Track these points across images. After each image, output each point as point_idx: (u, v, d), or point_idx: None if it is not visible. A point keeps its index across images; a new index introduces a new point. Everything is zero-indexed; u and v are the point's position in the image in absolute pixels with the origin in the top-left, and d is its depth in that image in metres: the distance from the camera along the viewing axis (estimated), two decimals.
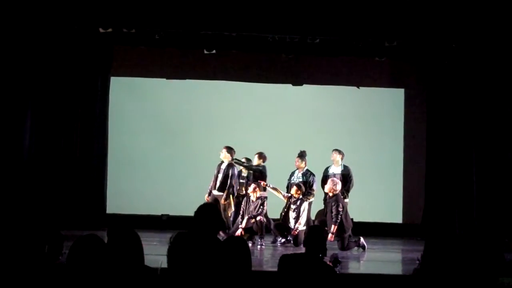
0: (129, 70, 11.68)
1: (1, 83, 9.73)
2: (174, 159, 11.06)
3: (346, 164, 10.04)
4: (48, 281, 3.74)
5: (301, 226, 9.41)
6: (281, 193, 9.82)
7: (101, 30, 10.13)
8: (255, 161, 10.12)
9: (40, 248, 4.09)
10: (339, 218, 9.06)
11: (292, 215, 9.57)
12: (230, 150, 10.03)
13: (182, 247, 3.78)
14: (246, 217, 9.61)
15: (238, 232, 9.47)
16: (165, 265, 4.09)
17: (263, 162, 10.12)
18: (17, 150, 9.93)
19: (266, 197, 9.75)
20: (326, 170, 10.07)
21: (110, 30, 10.15)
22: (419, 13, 9.83)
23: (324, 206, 9.61)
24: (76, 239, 3.68)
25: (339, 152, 10.06)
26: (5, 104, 9.77)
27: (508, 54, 9.85)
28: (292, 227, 9.52)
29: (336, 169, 9.99)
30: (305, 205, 9.58)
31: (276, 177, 10.18)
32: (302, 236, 8.96)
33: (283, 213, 9.69)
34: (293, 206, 9.59)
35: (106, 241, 3.86)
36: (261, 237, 9.47)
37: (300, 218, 9.47)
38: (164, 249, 4.00)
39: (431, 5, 9.79)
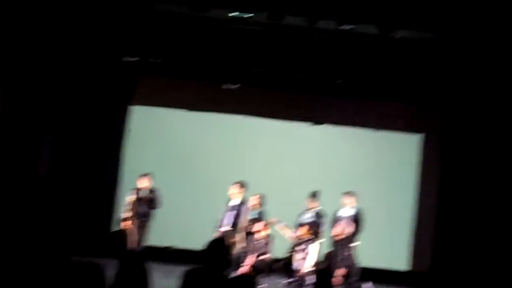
0: (151, 99, 11.77)
1: (22, 108, 9.83)
2: (187, 191, 11.07)
3: (358, 208, 9.98)
4: None
5: (308, 267, 9.34)
6: (290, 232, 9.75)
7: (126, 59, 10.30)
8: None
9: (50, 273, 4.11)
10: (348, 262, 9.00)
11: (299, 255, 9.51)
12: (241, 185, 9.98)
13: (192, 284, 3.82)
14: (253, 255, 9.56)
15: (244, 270, 9.39)
16: None
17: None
18: (33, 177, 9.98)
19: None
20: (337, 213, 10.02)
21: (136, 59, 10.33)
22: (440, 61, 9.91)
23: (333, 249, 9.54)
24: (74, 266, 3.70)
25: (351, 194, 10.01)
26: (24, 130, 9.84)
27: None
28: (299, 268, 9.44)
29: (347, 212, 9.93)
30: (312, 246, 9.51)
31: (286, 217, 10.12)
32: (309, 278, 8.89)
33: (290, 253, 9.63)
34: (301, 247, 9.53)
35: (110, 269, 3.86)
36: (266, 276, 9.40)
37: (308, 259, 9.40)
38: (168, 283, 4.02)
39: (451, 53, 9.87)
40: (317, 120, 11.93)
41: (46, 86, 10.07)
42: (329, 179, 11.27)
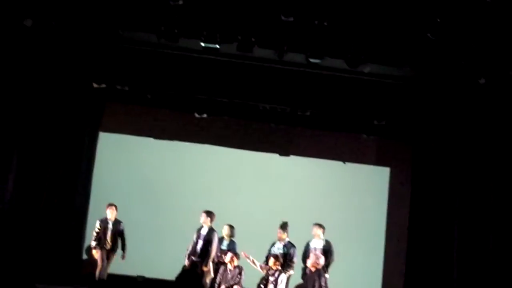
0: (119, 126, 11.69)
1: None
2: (155, 220, 10.93)
3: (328, 239, 9.94)
4: None
5: None
6: (257, 265, 9.62)
7: (94, 85, 10.21)
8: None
9: None
10: None
11: (270, 287, 9.38)
12: (210, 214, 9.88)
13: None
14: (223, 286, 9.41)
15: None
16: None
17: None
18: None
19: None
20: (308, 244, 9.96)
21: (103, 85, 10.24)
22: (408, 96, 10.05)
23: (304, 281, 9.45)
24: None
25: (320, 226, 9.97)
26: None
27: (492, 141, 9.98)
28: None
29: (317, 243, 9.88)
30: (282, 277, 9.39)
31: (257, 247, 10.03)
32: None
33: (261, 285, 9.50)
34: (271, 278, 9.40)
35: None
36: None
37: None
38: None
39: (420, 89, 10.02)
40: (285, 151, 11.96)
41: (12, 111, 9.88)
42: (299, 210, 11.25)
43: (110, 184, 11.40)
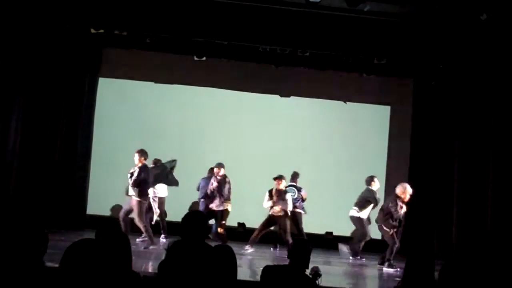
0: (118, 72, 11.66)
1: None
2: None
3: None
4: (34, 281, 3.69)
5: None
6: None
7: (92, 30, 10.12)
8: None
9: (25, 247, 4.03)
10: None
11: None
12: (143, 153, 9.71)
13: (175, 254, 3.83)
14: None
15: None
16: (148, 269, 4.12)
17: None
18: (1, 148, 9.85)
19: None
20: None
21: (101, 31, 10.15)
22: (409, 34, 9.96)
23: None
24: (71, 244, 3.66)
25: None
26: None
27: (493, 78, 9.94)
28: None
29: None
30: None
31: (257, 187, 10.17)
32: None
33: None
34: None
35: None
36: None
37: None
38: (144, 253, 4.02)
39: (421, 26, 9.92)
40: (286, 92, 11.95)
41: (12, 61, 9.84)
42: (301, 151, 11.34)
43: (111, 129, 11.46)
